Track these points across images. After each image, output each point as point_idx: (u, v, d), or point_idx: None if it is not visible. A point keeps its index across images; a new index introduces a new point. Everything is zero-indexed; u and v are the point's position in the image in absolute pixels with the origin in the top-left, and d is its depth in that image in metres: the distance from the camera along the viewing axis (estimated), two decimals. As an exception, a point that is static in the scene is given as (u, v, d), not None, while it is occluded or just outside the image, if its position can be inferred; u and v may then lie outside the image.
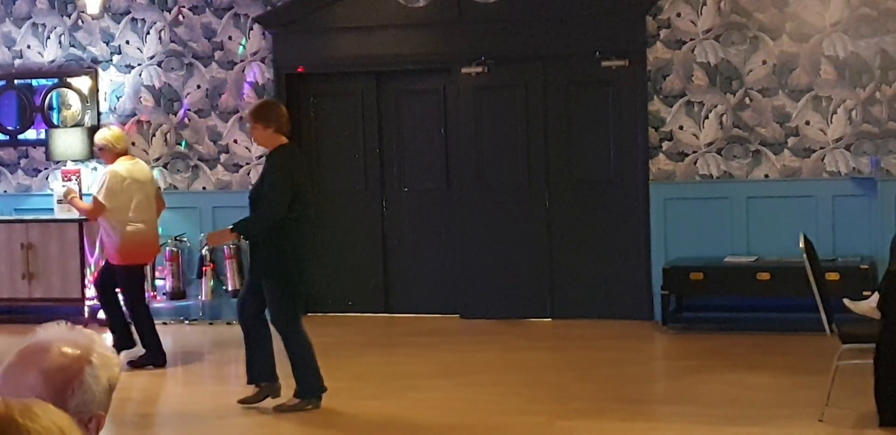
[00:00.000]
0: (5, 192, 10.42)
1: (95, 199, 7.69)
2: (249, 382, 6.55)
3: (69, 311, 9.15)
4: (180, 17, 9.92)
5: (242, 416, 6.42)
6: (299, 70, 9.78)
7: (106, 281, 7.92)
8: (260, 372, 6.53)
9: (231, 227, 6.40)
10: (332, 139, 9.97)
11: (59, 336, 2.13)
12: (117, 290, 7.91)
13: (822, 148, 8.84)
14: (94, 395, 2.09)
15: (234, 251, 9.59)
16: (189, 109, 9.92)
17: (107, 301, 7.94)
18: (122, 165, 7.76)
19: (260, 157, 9.86)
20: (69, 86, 10.16)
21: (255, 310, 6.51)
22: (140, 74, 10.10)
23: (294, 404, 6.41)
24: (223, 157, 9.96)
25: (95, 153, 8.32)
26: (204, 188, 9.97)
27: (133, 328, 7.90)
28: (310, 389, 6.42)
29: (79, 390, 2.07)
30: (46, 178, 10.33)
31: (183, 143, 9.98)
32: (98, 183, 7.86)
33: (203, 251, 9.60)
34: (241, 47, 9.83)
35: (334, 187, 9.96)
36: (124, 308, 7.87)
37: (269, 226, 6.26)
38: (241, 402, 6.51)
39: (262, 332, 6.53)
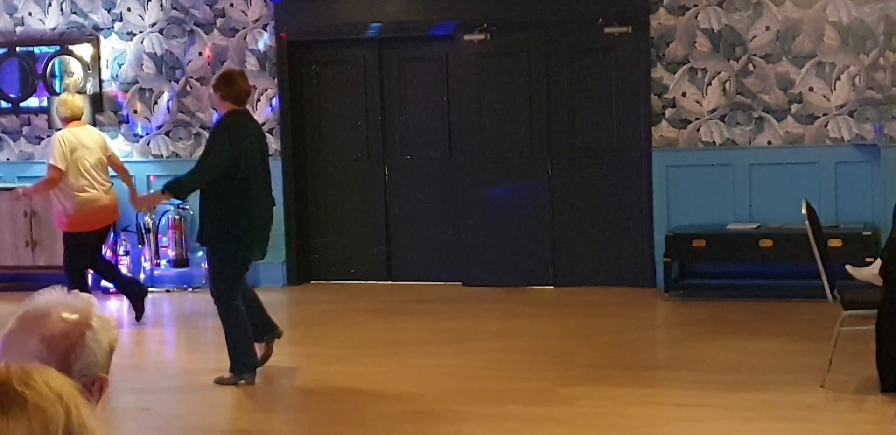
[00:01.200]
0: (8, 159, 10.41)
1: (50, 165, 7.73)
2: (257, 341, 6.58)
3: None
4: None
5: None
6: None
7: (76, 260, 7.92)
8: (263, 328, 6.60)
9: (162, 189, 6.47)
10: (335, 107, 9.95)
11: (57, 301, 2.13)
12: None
13: (825, 114, 8.81)
14: (97, 358, 2.10)
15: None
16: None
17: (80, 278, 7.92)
18: (69, 131, 7.84)
19: (262, 124, 9.84)
20: (71, 53, 10.13)
21: None
22: (142, 42, 10.06)
23: (229, 378, 6.35)
24: (225, 124, 9.92)
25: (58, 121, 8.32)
26: (206, 156, 9.95)
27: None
28: (241, 365, 6.33)
29: (81, 355, 2.08)
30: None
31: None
32: (49, 150, 7.93)
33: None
34: None
35: (336, 156, 9.95)
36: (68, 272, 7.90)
37: (198, 187, 6.28)
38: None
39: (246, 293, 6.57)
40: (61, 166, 7.69)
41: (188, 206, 9.79)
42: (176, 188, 6.38)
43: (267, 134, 9.80)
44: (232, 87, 6.41)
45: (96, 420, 1.51)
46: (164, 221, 9.78)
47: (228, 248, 6.27)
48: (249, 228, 6.29)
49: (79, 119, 7.99)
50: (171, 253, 9.76)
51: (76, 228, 7.76)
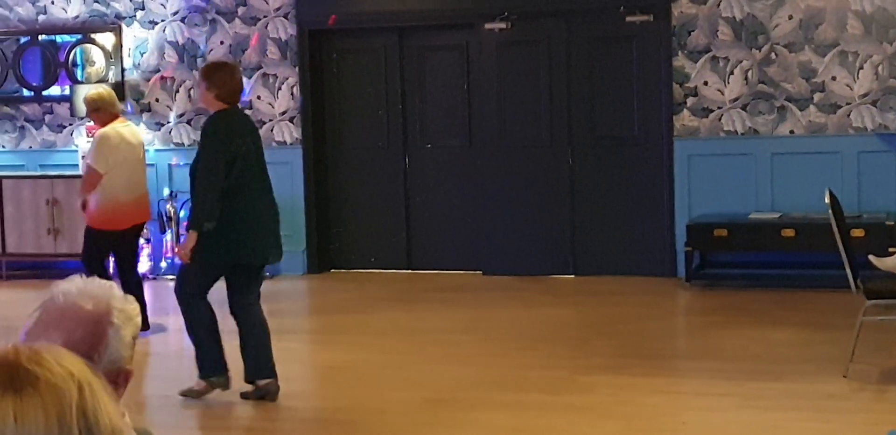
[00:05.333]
0: (30, 148, 10.46)
1: (89, 166, 7.30)
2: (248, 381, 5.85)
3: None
4: None
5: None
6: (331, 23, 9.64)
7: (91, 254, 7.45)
8: (255, 367, 5.84)
9: (187, 227, 5.92)
10: (355, 96, 9.95)
11: (77, 293, 2.10)
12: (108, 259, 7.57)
13: (848, 104, 8.76)
14: (120, 353, 2.09)
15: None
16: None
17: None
18: (113, 127, 7.36)
19: (283, 112, 9.86)
20: (93, 42, 10.15)
21: (237, 296, 5.95)
22: (164, 30, 10.08)
23: (199, 388, 5.80)
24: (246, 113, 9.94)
25: (86, 114, 7.86)
26: (227, 144, 9.96)
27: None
28: (202, 367, 5.80)
29: (105, 353, 2.07)
30: (71, 135, 10.35)
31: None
32: (91, 148, 7.45)
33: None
34: None
35: (357, 144, 9.95)
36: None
37: (212, 207, 5.65)
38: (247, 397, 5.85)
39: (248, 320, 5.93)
40: (101, 169, 7.23)
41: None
42: (197, 221, 5.75)
43: (288, 123, 9.87)
44: (226, 84, 5.80)
45: (112, 398, 1.50)
46: (185, 210, 9.80)
47: (213, 251, 5.70)
48: (244, 232, 5.74)
49: (119, 115, 7.55)
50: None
51: (104, 226, 7.34)
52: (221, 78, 5.80)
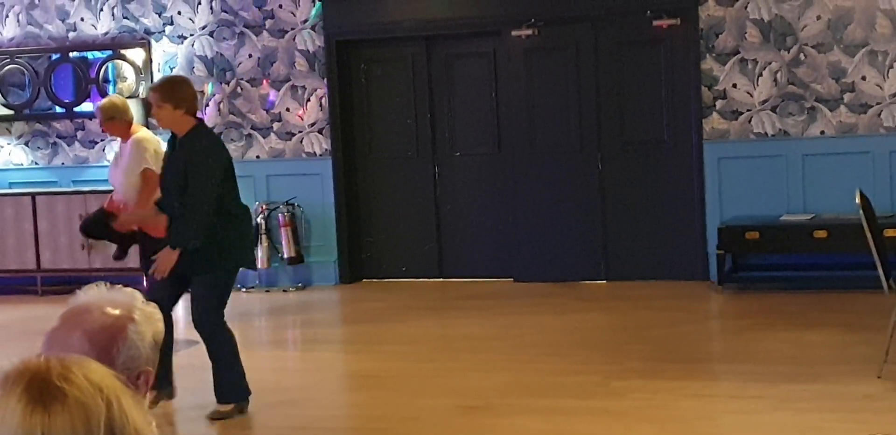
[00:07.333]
0: (63, 164, 10.55)
1: (145, 170, 7.19)
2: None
3: (128, 281, 9.23)
4: None
5: (301, 379, 6.48)
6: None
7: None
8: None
9: (170, 246, 5.60)
10: (384, 105, 9.98)
11: (99, 297, 2.14)
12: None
13: (878, 103, 8.71)
14: (140, 351, 2.11)
15: (289, 219, 9.66)
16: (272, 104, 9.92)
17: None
18: (145, 131, 7.43)
19: (312, 124, 9.90)
20: (123, 58, 10.24)
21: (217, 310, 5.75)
22: (192, 45, 10.15)
23: (227, 410, 5.72)
24: (276, 125, 10.00)
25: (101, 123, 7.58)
26: (258, 157, 10.02)
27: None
28: (237, 392, 5.73)
29: (124, 347, 2.09)
30: (103, 150, 10.43)
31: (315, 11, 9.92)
32: (136, 157, 7.26)
33: (258, 219, 9.66)
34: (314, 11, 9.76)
35: (386, 153, 9.98)
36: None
37: (203, 225, 5.51)
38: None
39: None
40: (156, 168, 6.90)
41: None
42: (182, 240, 5.57)
43: (317, 134, 9.91)
44: (190, 97, 5.69)
45: (141, 410, 1.51)
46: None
47: (217, 271, 5.65)
48: (238, 247, 5.73)
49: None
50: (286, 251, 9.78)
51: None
52: (182, 92, 5.67)
